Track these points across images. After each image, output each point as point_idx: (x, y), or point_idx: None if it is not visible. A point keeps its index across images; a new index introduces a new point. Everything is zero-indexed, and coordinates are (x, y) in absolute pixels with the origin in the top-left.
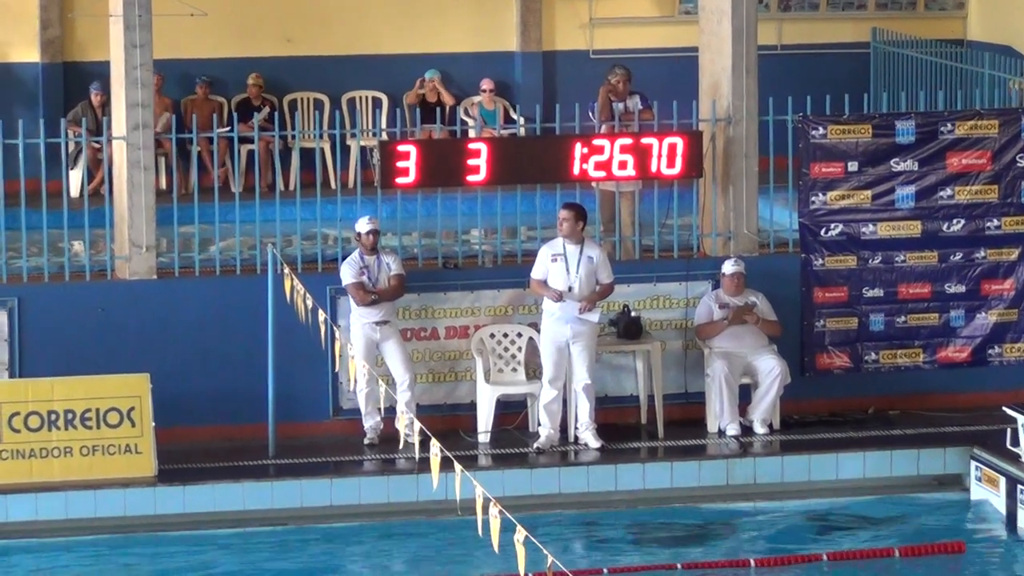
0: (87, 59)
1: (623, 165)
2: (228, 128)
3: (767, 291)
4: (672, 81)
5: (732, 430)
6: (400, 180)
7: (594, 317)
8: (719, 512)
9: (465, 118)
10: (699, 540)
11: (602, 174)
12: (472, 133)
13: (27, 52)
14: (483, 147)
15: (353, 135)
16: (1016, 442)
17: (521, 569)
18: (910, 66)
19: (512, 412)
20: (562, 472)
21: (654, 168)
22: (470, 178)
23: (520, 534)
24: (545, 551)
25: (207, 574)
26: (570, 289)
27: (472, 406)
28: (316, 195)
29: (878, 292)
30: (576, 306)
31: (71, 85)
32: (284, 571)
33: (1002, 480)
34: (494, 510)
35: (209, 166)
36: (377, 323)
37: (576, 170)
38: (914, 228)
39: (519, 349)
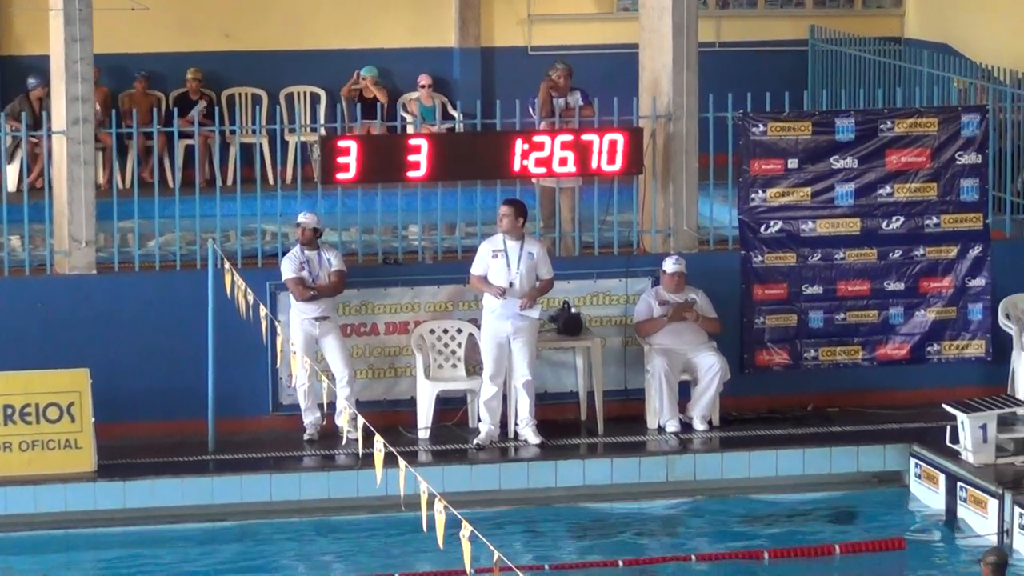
0: (25, 53)
1: (563, 161)
2: (167, 123)
3: (707, 288)
4: (612, 77)
5: (672, 427)
6: (341, 176)
7: (535, 313)
8: (660, 508)
9: (404, 114)
10: (640, 536)
11: (543, 171)
12: (411, 129)
13: None
14: (423, 143)
15: (292, 130)
16: (955, 439)
17: (467, 565)
18: (848, 63)
19: (452, 408)
20: (502, 468)
21: (594, 164)
22: (410, 174)
23: (466, 530)
24: (491, 546)
25: (147, 570)
26: (511, 285)
27: (412, 402)
28: (256, 190)
29: (817, 289)
30: (517, 302)
31: (9, 79)
32: (224, 567)
33: (942, 477)
34: (439, 506)
35: (148, 161)
36: (317, 319)
37: (516, 166)
38: (853, 225)
39: (459, 345)
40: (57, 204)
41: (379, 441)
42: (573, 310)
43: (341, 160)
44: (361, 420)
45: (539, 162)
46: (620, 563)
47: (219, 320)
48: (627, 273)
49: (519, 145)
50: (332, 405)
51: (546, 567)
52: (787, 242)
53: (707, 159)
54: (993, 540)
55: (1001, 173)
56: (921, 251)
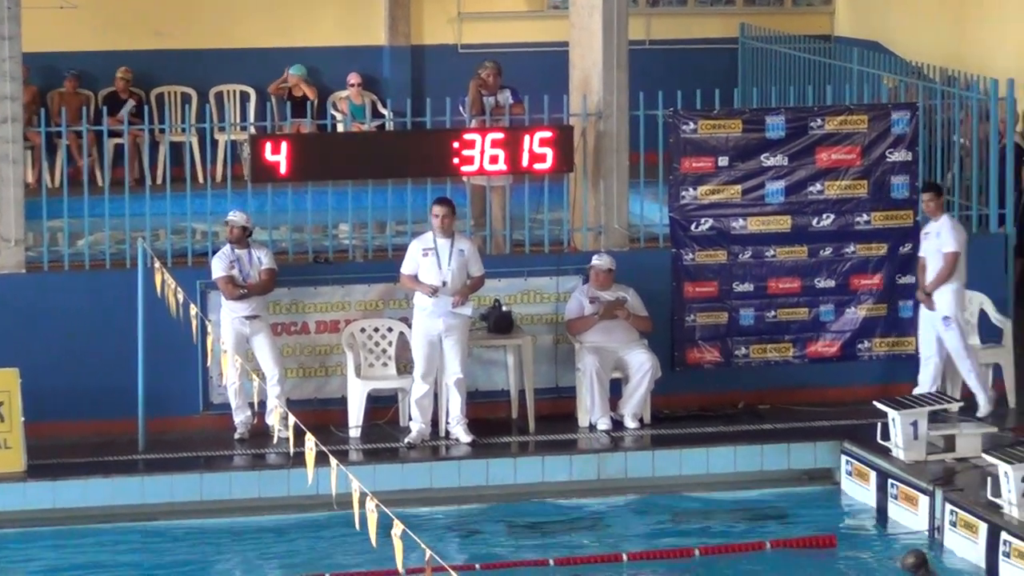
0: None
1: (494, 159)
2: (96, 122)
3: (637, 286)
4: (542, 76)
5: (603, 424)
6: (271, 174)
7: (467, 311)
8: (591, 507)
9: (334, 112)
10: (571, 535)
11: (473, 168)
12: (341, 128)
13: None
14: (354, 142)
15: (222, 129)
16: (886, 436)
17: (399, 564)
18: (779, 61)
19: (383, 407)
20: (433, 467)
21: (525, 163)
22: (340, 172)
23: (397, 528)
24: (423, 545)
25: (78, 570)
26: (444, 284)
27: (343, 401)
28: (186, 189)
29: (748, 287)
30: (449, 300)
31: None
32: (155, 566)
33: (872, 474)
34: (371, 504)
35: (78, 159)
36: (247, 317)
37: (448, 165)
38: (784, 223)
39: (390, 344)
40: None
41: (310, 440)
42: (504, 308)
43: (271, 159)
44: (292, 419)
45: (470, 160)
46: (551, 562)
47: (149, 319)
48: (558, 271)
49: (450, 143)
50: (263, 404)
51: (477, 567)
52: (718, 240)
53: (638, 157)
54: (924, 537)
55: (931, 170)
56: (851, 248)
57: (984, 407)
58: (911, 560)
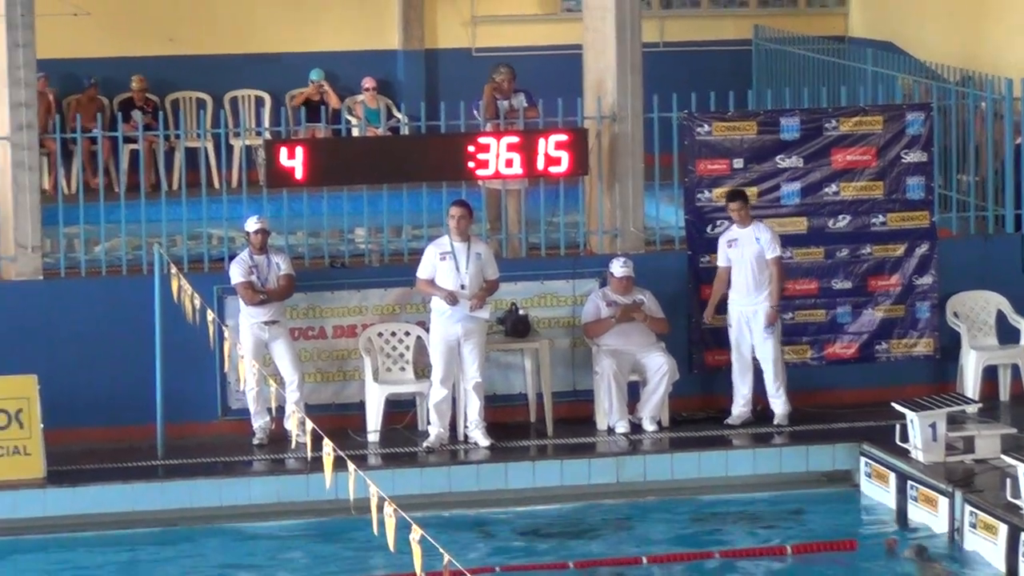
0: None
1: (509, 163)
2: (112, 128)
3: (654, 288)
4: (556, 79)
5: (621, 428)
6: (286, 179)
7: (485, 314)
8: (610, 510)
9: (349, 117)
10: (590, 538)
11: (488, 172)
12: (356, 132)
13: None
14: (370, 146)
15: (237, 134)
16: (905, 438)
17: (417, 568)
18: (793, 63)
19: (401, 411)
20: (452, 471)
21: (540, 166)
22: (356, 177)
23: (416, 533)
24: (442, 549)
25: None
26: (461, 287)
27: (361, 405)
28: (201, 195)
29: None
30: (467, 304)
31: None
32: (174, 572)
33: (892, 476)
34: (389, 509)
35: (92, 167)
36: (266, 323)
37: (463, 168)
38: (800, 224)
39: (407, 348)
40: (2, 210)
41: (328, 445)
42: (521, 312)
43: (286, 163)
44: (310, 424)
45: (485, 164)
46: (571, 565)
47: (166, 325)
48: (574, 274)
49: (465, 147)
50: (281, 409)
51: (496, 569)
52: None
53: (652, 159)
54: (944, 539)
55: (947, 171)
56: (868, 250)
57: (782, 417)
58: (912, 552)
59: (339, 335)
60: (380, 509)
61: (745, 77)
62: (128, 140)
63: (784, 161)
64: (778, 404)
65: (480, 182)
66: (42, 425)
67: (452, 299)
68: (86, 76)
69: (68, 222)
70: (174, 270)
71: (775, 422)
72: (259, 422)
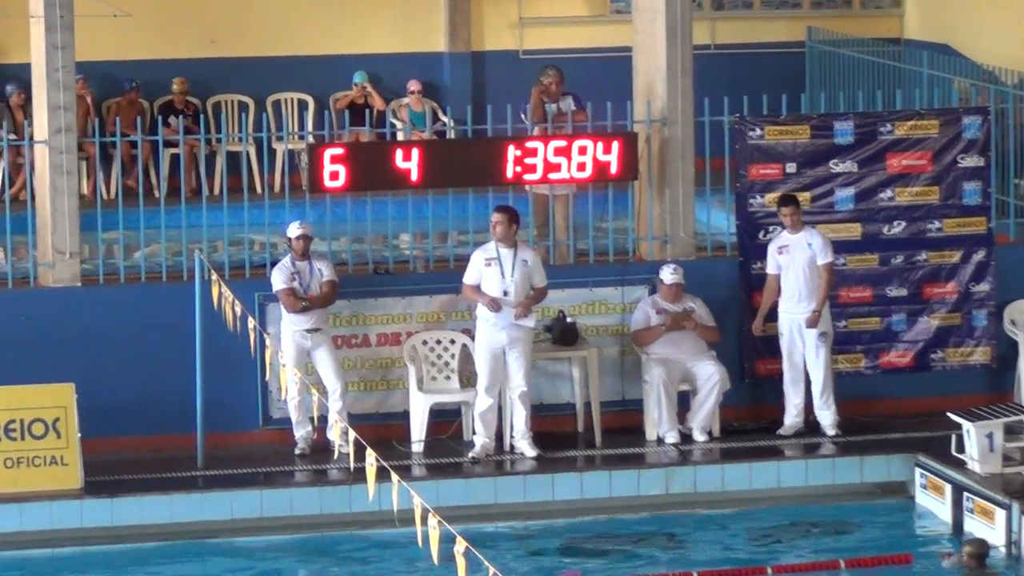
0: (7, 61)
1: (557, 168)
2: (152, 132)
3: (705, 295)
4: (605, 81)
5: (671, 438)
6: (330, 184)
7: (530, 322)
8: (659, 522)
9: (393, 120)
10: (639, 551)
11: (536, 177)
12: (401, 136)
13: None
14: (415, 150)
15: (279, 138)
16: (961, 448)
17: None
18: (847, 65)
19: (446, 421)
20: (498, 482)
21: (588, 171)
22: (401, 182)
23: (460, 545)
24: (487, 562)
25: None
26: (505, 293)
27: (405, 415)
28: (243, 200)
29: None
30: (511, 312)
31: None
32: None
33: (948, 487)
34: (433, 521)
35: (132, 171)
36: (308, 331)
37: (509, 173)
38: (854, 230)
39: (452, 356)
40: (40, 215)
41: (371, 455)
42: (568, 319)
43: (330, 168)
44: (353, 434)
45: (532, 168)
46: None
47: (207, 332)
48: (623, 281)
49: (512, 151)
50: (323, 419)
51: None
52: None
53: (703, 163)
54: (1002, 551)
55: (1004, 176)
56: (923, 256)
57: (829, 427)
58: (970, 549)
59: (383, 343)
60: (424, 521)
61: (798, 80)
62: (169, 144)
63: (838, 166)
64: (826, 415)
65: (527, 187)
66: (79, 435)
67: (495, 305)
68: (126, 79)
69: (107, 227)
70: (215, 276)
71: (826, 432)
72: (301, 432)
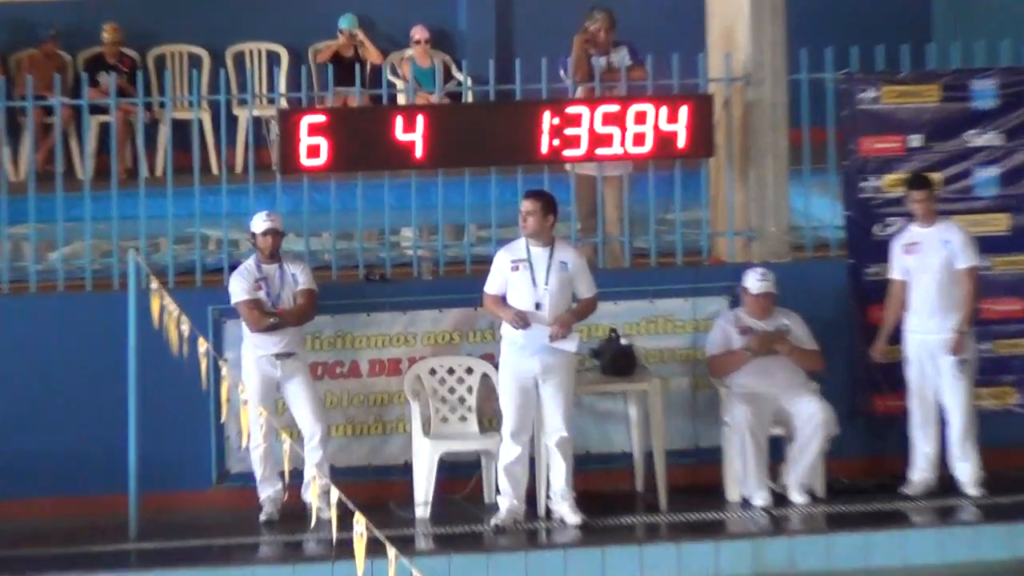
0: None
1: (607, 141)
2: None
3: (804, 310)
4: (670, 28)
5: (760, 499)
6: (308, 162)
7: (571, 346)
8: None
9: (392, 78)
10: None
11: (579, 153)
12: (402, 99)
13: None
14: (420, 118)
15: (242, 102)
16: None
17: None
18: (988, 7)
19: (461, 476)
20: (530, 557)
21: (649, 144)
22: (402, 160)
23: None
24: None
25: None
26: (537, 307)
27: (407, 468)
28: (193, 183)
29: None
30: (546, 331)
31: None
32: None
33: None
34: None
35: (47, 144)
36: (278, 355)
37: (544, 148)
38: (999, 223)
39: (469, 390)
40: None
41: (361, 522)
42: (623, 341)
43: (308, 141)
44: (336, 493)
45: (575, 141)
46: None
47: (144, 359)
48: (695, 291)
49: (547, 119)
50: (298, 474)
51: None
52: None
53: (800, 136)
54: None
55: None
56: None
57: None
58: None
59: (378, 372)
60: None
61: (924, 25)
62: (97, 110)
63: (977, 138)
64: (965, 469)
65: (568, 166)
66: None
67: (521, 322)
68: (42, 25)
69: (14, 219)
70: (156, 284)
71: (965, 491)
72: (268, 492)
